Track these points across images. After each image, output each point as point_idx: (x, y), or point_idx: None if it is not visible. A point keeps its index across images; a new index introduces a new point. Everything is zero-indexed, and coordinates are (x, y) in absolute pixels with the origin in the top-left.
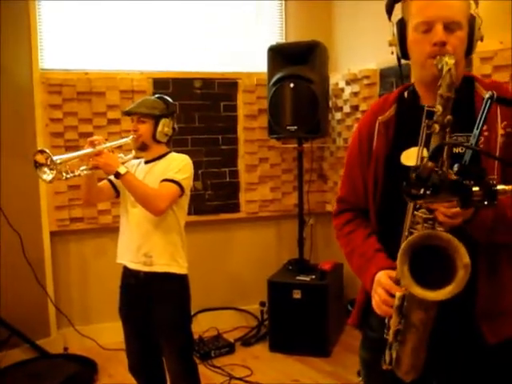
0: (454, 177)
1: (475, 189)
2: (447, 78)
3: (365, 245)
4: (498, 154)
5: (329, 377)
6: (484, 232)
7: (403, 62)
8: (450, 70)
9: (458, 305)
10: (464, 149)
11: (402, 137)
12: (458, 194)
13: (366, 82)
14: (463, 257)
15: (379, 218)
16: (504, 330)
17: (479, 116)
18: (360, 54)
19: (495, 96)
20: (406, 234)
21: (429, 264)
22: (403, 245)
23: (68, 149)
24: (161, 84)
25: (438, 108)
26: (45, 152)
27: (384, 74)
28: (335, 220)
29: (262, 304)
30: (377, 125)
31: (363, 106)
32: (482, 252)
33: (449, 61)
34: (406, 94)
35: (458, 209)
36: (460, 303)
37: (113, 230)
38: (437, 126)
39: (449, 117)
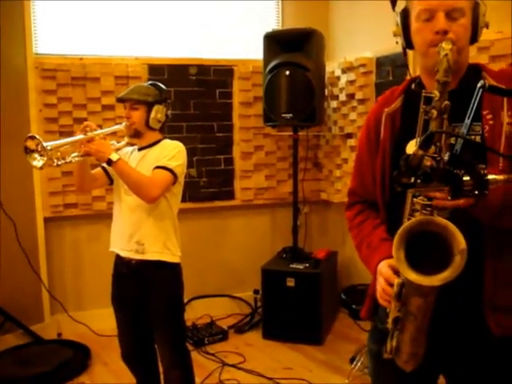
0: (445, 166)
1: (466, 178)
2: (444, 62)
3: (372, 235)
4: (503, 143)
5: (322, 364)
6: (490, 215)
7: (397, 51)
8: (446, 55)
9: (464, 294)
10: (471, 138)
11: (408, 128)
12: (449, 183)
13: (362, 70)
14: (460, 243)
15: (387, 209)
16: (510, 324)
17: (471, 105)
18: (356, 42)
19: (487, 85)
20: (405, 221)
21: (427, 251)
22: (399, 230)
23: (62, 134)
24: (156, 70)
25: (436, 93)
26: (35, 138)
27: (380, 62)
28: (347, 212)
29: (256, 292)
30: (383, 116)
31: (359, 95)
32: (489, 241)
33: (445, 46)
34: (413, 85)
35: None
36: (467, 293)
37: (107, 216)
38: (434, 112)
39: (446, 102)
